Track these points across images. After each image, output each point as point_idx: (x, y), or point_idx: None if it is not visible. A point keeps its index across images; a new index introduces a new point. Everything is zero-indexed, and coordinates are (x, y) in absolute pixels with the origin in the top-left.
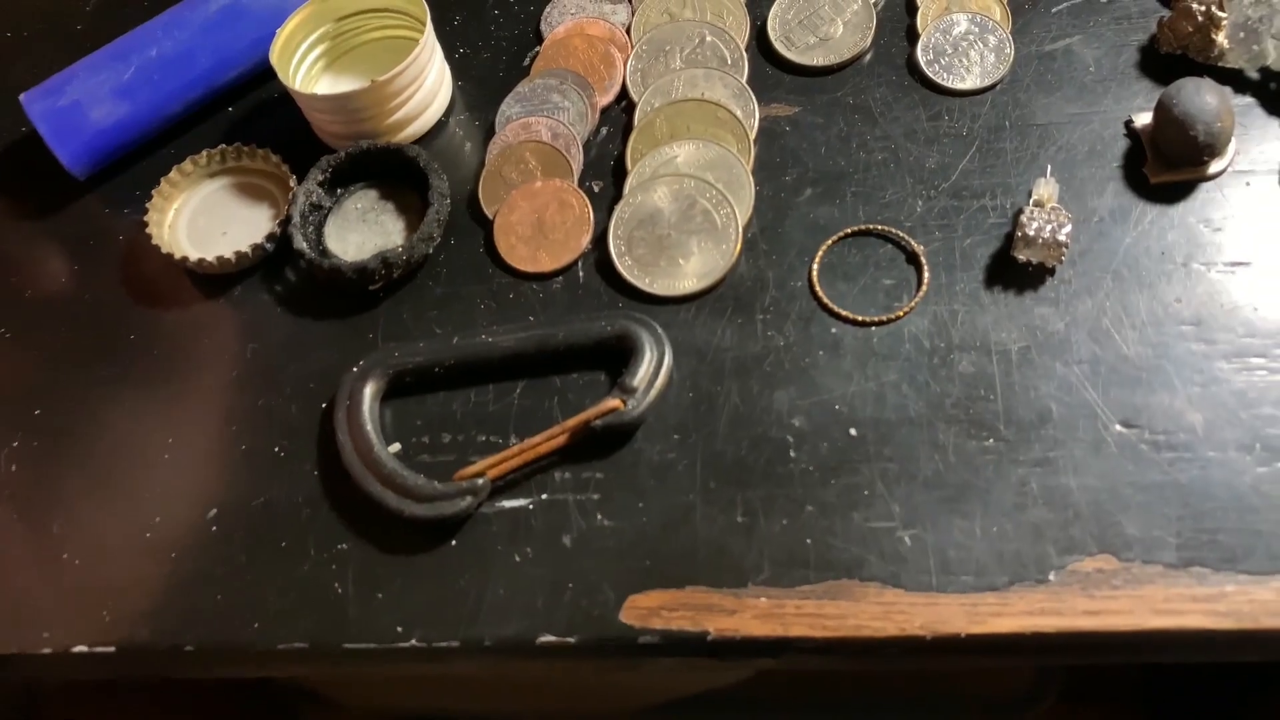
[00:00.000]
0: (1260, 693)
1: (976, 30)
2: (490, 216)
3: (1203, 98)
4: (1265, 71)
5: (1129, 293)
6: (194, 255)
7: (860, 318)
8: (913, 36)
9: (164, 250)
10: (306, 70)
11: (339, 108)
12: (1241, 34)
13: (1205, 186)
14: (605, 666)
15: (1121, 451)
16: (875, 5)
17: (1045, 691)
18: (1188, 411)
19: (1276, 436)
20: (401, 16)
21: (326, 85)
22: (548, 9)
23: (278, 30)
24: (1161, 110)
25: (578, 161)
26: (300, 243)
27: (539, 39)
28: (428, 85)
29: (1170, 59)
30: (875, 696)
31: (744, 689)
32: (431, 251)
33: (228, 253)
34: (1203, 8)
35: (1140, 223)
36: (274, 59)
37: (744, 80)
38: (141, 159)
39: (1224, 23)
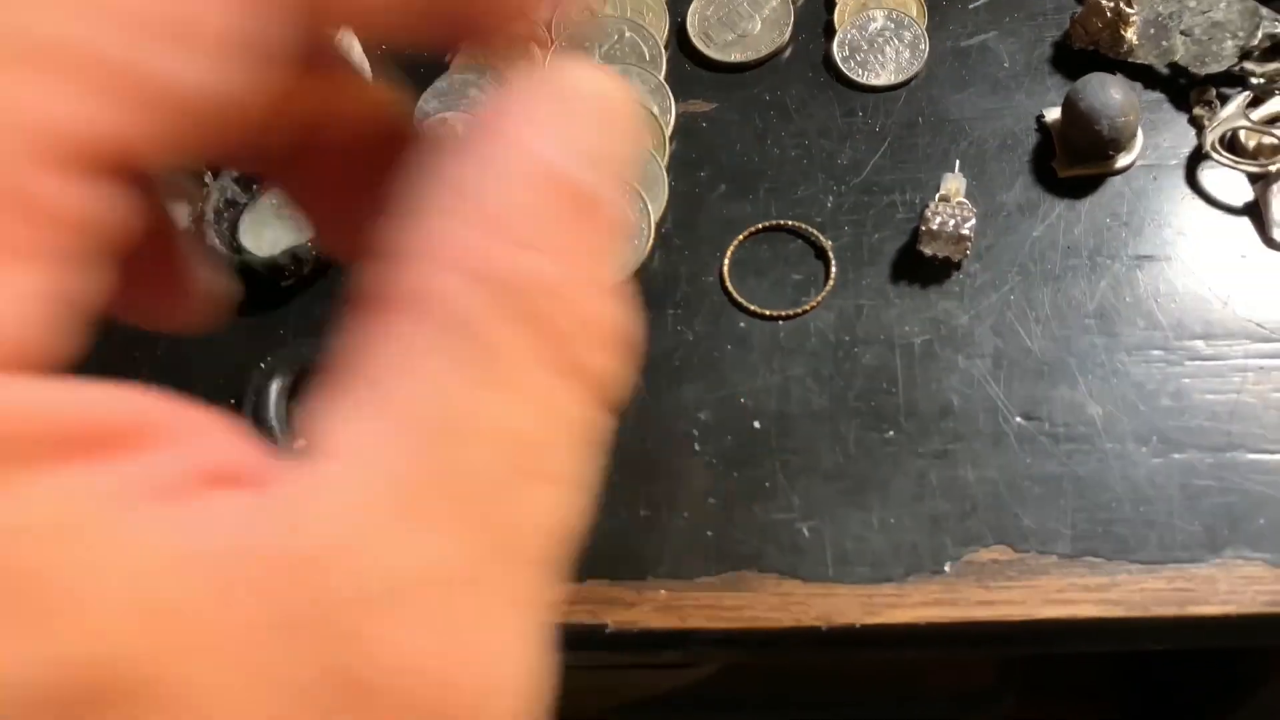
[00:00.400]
0: (1236, 691)
1: (893, 26)
2: None
3: (1108, 93)
4: (1174, 67)
5: (1034, 286)
6: None
7: (768, 312)
8: (830, 32)
9: None
10: None
11: None
12: (1151, 29)
13: (1113, 181)
14: None
15: (1021, 444)
16: (794, 1)
17: (1007, 686)
18: (1088, 404)
19: (1173, 429)
20: None
21: None
22: None
23: None
24: (1069, 105)
25: None
26: (212, 240)
27: None
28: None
29: (1083, 54)
30: (845, 691)
31: (716, 686)
32: None
33: None
34: (1112, 4)
35: (1047, 217)
36: None
37: (661, 77)
38: None
39: (1133, 19)
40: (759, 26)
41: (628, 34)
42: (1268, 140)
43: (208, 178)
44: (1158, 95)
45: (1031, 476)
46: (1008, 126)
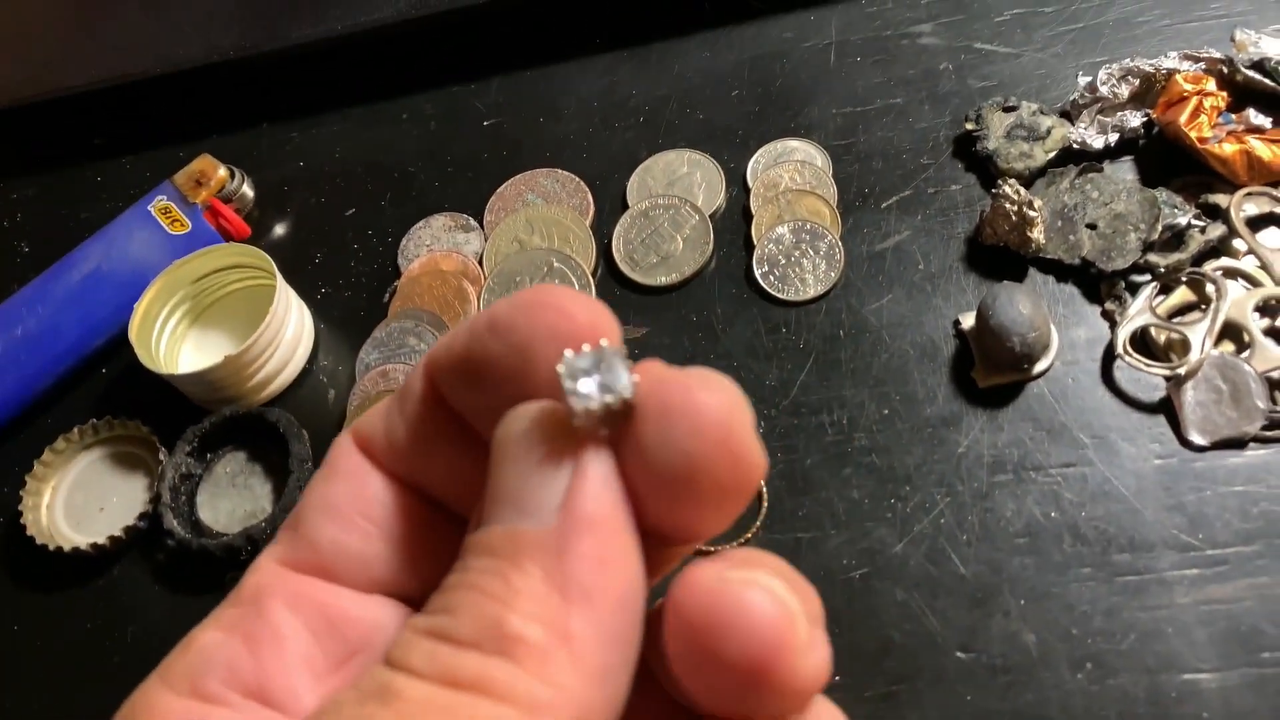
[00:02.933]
0: None
1: (808, 238)
2: None
3: (1015, 309)
4: (1084, 260)
5: (963, 508)
6: (72, 538)
7: (702, 547)
8: (750, 246)
9: (40, 541)
10: (170, 333)
11: (197, 381)
12: (1059, 222)
13: (1033, 386)
14: None
15: (960, 679)
16: (715, 215)
17: None
18: (1023, 631)
19: (1106, 653)
20: (257, 271)
21: (193, 343)
22: (404, 240)
23: (135, 305)
24: (980, 320)
25: None
26: (170, 522)
27: (398, 272)
28: (286, 341)
29: (995, 249)
30: None
31: None
32: None
33: (102, 538)
34: (1015, 208)
35: (971, 430)
36: (133, 337)
37: None
38: (14, 436)
39: (1037, 221)
40: (681, 247)
41: (555, 264)
42: (1176, 336)
43: (162, 454)
44: (1070, 289)
45: (973, 713)
46: (926, 334)
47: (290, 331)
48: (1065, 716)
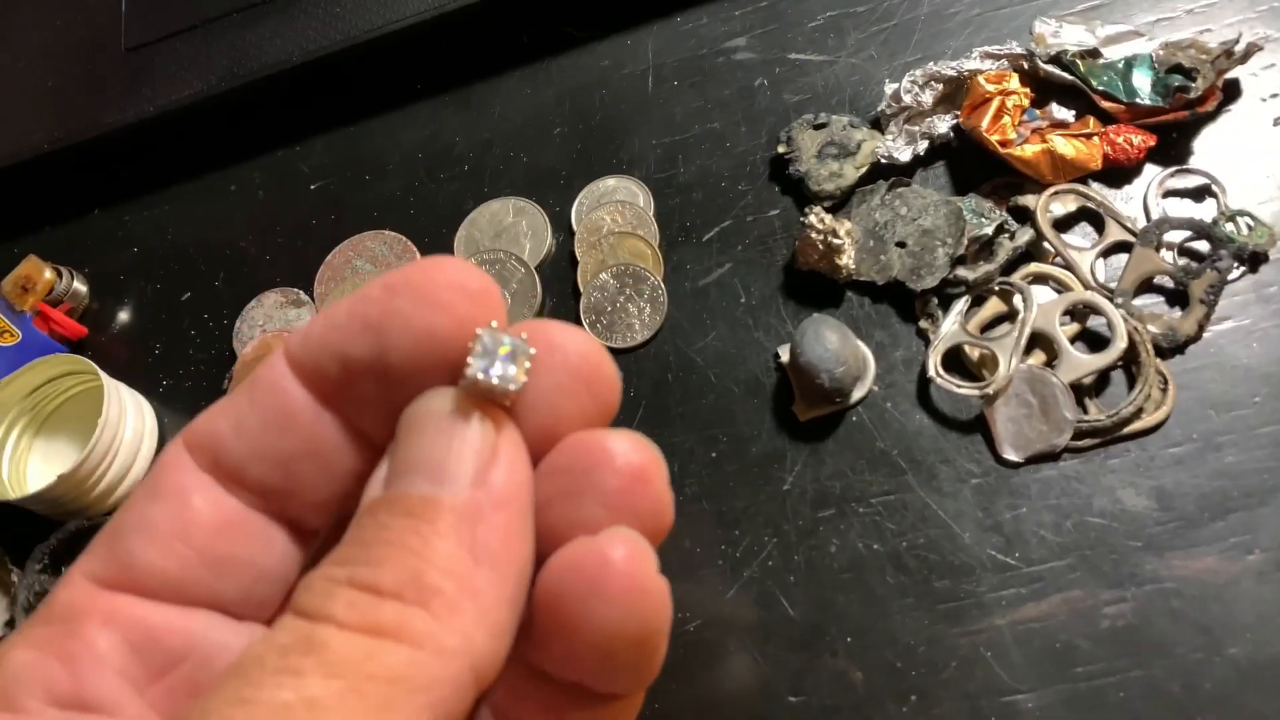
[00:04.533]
0: None
1: (631, 282)
2: None
3: (821, 345)
4: (895, 281)
5: (790, 548)
6: None
7: None
8: (578, 294)
9: None
10: (13, 452)
11: (38, 501)
12: (871, 241)
13: (853, 415)
14: None
15: None
16: (543, 264)
17: None
18: (850, 669)
19: (929, 683)
20: (89, 376)
21: (39, 455)
22: (238, 323)
23: None
24: (792, 357)
25: None
26: None
27: (235, 355)
28: (125, 445)
29: (811, 274)
30: None
31: None
32: None
33: None
34: (820, 237)
35: (796, 465)
36: None
37: None
38: None
39: (844, 248)
40: (510, 301)
41: None
42: (986, 352)
43: (14, 574)
44: (886, 309)
45: None
46: (750, 370)
47: (129, 434)
48: None
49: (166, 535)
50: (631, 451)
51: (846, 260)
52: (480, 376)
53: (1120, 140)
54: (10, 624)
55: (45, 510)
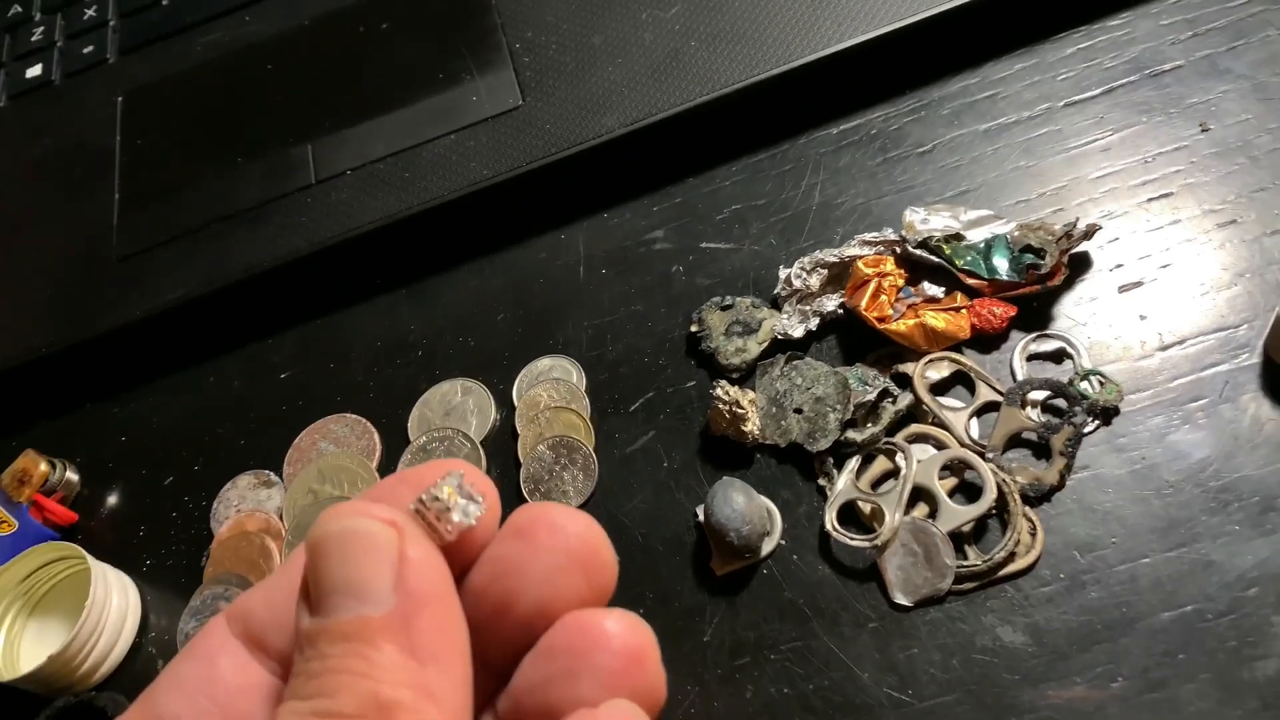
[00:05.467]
0: None
1: (565, 452)
2: None
3: (729, 505)
4: (793, 443)
5: (711, 696)
6: None
7: None
8: (519, 465)
9: None
10: (7, 635)
11: (27, 681)
12: (774, 409)
13: (763, 567)
14: None
15: None
16: (488, 438)
17: None
18: None
19: None
20: (78, 560)
21: (32, 637)
22: (215, 504)
23: None
24: (705, 517)
25: None
26: None
27: (211, 535)
28: (110, 624)
29: (724, 439)
30: None
31: None
32: None
33: None
34: (727, 409)
35: (714, 616)
36: None
37: None
38: None
39: (748, 416)
40: None
41: None
42: (875, 506)
43: None
44: (789, 468)
45: None
46: (672, 530)
47: (114, 613)
48: None
49: (192, 690)
50: (628, 632)
51: (751, 427)
52: (442, 502)
53: (985, 312)
54: None
55: (36, 689)
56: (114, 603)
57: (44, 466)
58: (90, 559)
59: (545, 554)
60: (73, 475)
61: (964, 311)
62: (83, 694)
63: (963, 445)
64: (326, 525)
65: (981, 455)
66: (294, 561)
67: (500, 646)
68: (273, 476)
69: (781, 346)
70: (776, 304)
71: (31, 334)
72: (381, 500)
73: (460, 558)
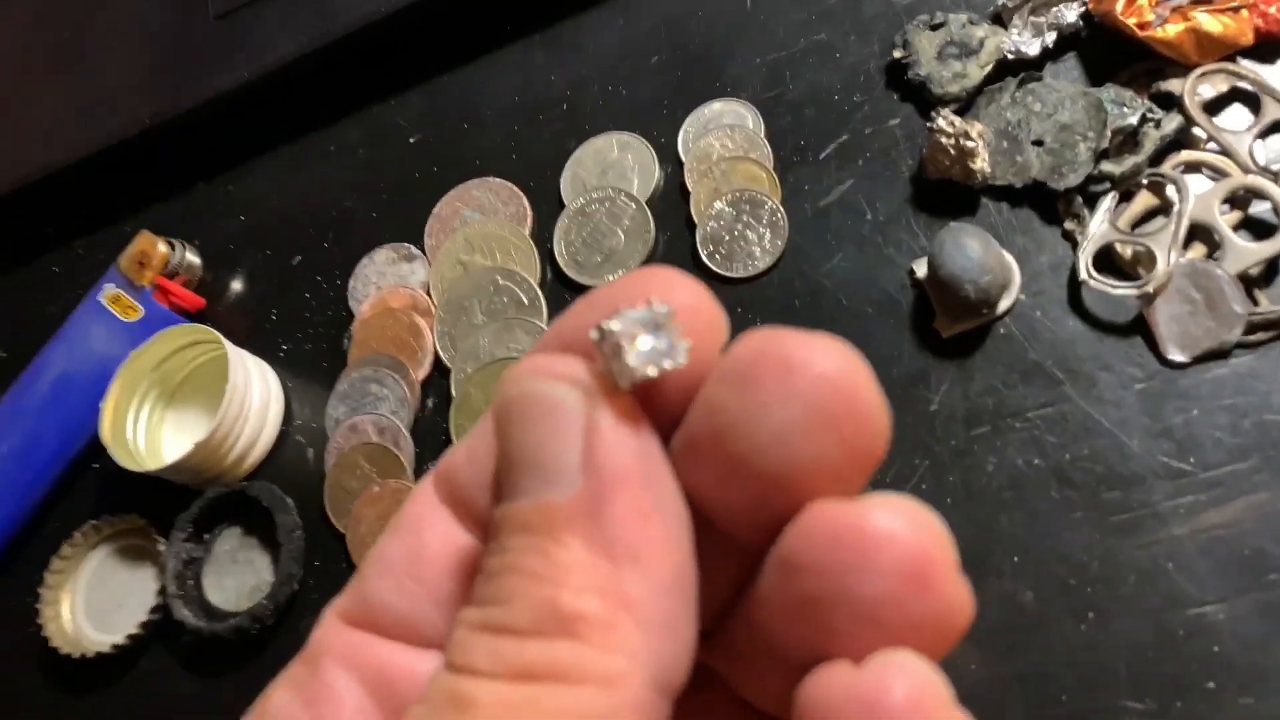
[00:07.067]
0: None
1: (748, 208)
2: (343, 531)
3: (964, 254)
4: (1035, 181)
5: (943, 469)
6: (97, 641)
7: None
8: (693, 227)
9: (64, 651)
10: (146, 424)
11: (176, 471)
12: (1004, 143)
13: (999, 327)
14: None
15: (960, 650)
16: (654, 199)
17: None
18: (1019, 590)
19: (1106, 600)
20: (214, 344)
21: (172, 426)
22: (351, 282)
23: (100, 406)
24: (931, 270)
25: (408, 453)
26: (180, 611)
27: (352, 315)
28: (254, 411)
29: (942, 183)
30: None
31: None
32: (298, 587)
33: (122, 638)
34: (952, 141)
35: (942, 384)
36: (105, 439)
37: (544, 323)
38: (19, 551)
39: (978, 151)
40: (623, 240)
41: (501, 282)
42: (1141, 249)
43: (160, 545)
44: (1027, 213)
45: (979, 681)
46: (883, 289)
47: (256, 400)
48: (1072, 673)
49: (399, 571)
50: (906, 536)
51: (981, 163)
52: (626, 350)
53: (1273, 10)
54: (162, 592)
55: (183, 479)
56: (255, 389)
57: (163, 248)
58: (227, 343)
59: (777, 406)
60: (194, 257)
61: (1245, 12)
62: (233, 484)
63: (1248, 173)
64: (506, 389)
65: (1275, 183)
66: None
67: (743, 522)
68: (413, 249)
69: (1010, 69)
70: (999, 20)
71: (131, 107)
72: (571, 336)
73: (677, 401)
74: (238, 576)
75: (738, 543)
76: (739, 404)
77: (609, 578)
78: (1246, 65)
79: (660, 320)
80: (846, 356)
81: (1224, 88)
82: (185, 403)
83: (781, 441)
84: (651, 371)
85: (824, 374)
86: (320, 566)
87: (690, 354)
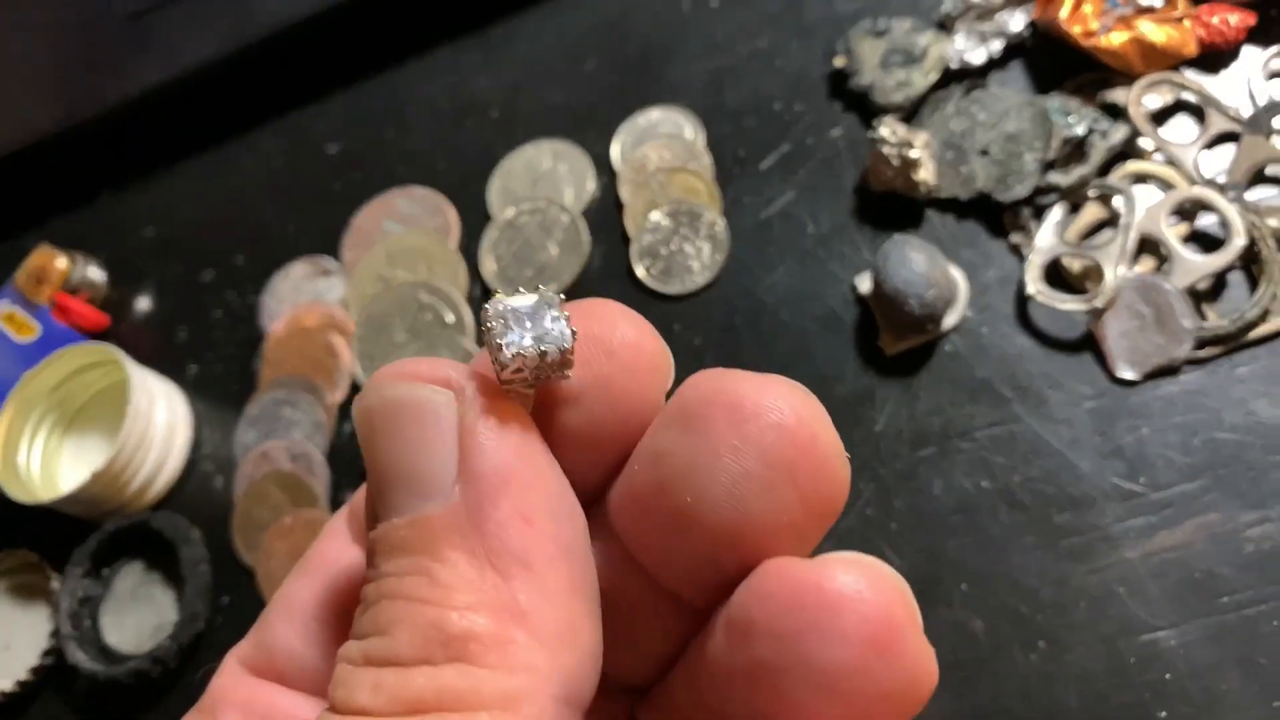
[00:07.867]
0: None
1: (686, 220)
2: (253, 566)
3: (909, 268)
4: (980, 193)
5: (889, 493)
6: None
7: None
8: (627, 240)
9: None
10: (42, 451)
11: (73, 502)
12: (949, 153)
13: (945, 343)
14: None
15: None
16: (589, 210)
17: None
18: (969, 619)
19: (1058, 627)
20: (114, 366)
21: (70, 454)
22: (263, 298)
23: None
24: (875, 285)
25: (322, 481)
26: (74, 655)
27: (264, 334)
28: (158, 438)
29: (886, 195)
30: None
31: None
32: (204, 626)
33: (10, 684)
34: (895, 151)
35: (886, 404)
36: None
37: (470, 342)
38: None
39: (921, 161)
40: (556, 254)
41: (425, 299)
42: (1089, 262)
43: (54, 582)
44: (973, 225)
45: (930, 717)
46: (826, 305)
47: (161, 425)
48: (1025, 705)
49: (306, 615)
50: (870, 595)
51: (925, 174)
52: (502, 340)
53: (1215, 21)
54: (55, 634)
55: (80, 512)
56: (160, 412)
57: (62, 262)
58: (129, 361)
59: (729, 456)
60: (97, 272)
61: (1188, 22)
62: (135, 516)
63: (1195, 184)
64: (367, 398)
65: (1221, 195)
66: None
67: (689, 580)
68: (330, 263)
69: (954, 77)
70: (944, 27)
71: (34, 112)
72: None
73: (617, 447)
74: (139, 615)
75: (683, 601)
76: (687, 452)
77: (497, 591)
78: (1190, 76)
79: (545, 306)
80: (804, 401)
81: (1169, 98)
82: (86, 428)
83: (733, 494)
84: (529, 360)
85: (780, 421)
86: (229, 604)
87: (576, 339)
